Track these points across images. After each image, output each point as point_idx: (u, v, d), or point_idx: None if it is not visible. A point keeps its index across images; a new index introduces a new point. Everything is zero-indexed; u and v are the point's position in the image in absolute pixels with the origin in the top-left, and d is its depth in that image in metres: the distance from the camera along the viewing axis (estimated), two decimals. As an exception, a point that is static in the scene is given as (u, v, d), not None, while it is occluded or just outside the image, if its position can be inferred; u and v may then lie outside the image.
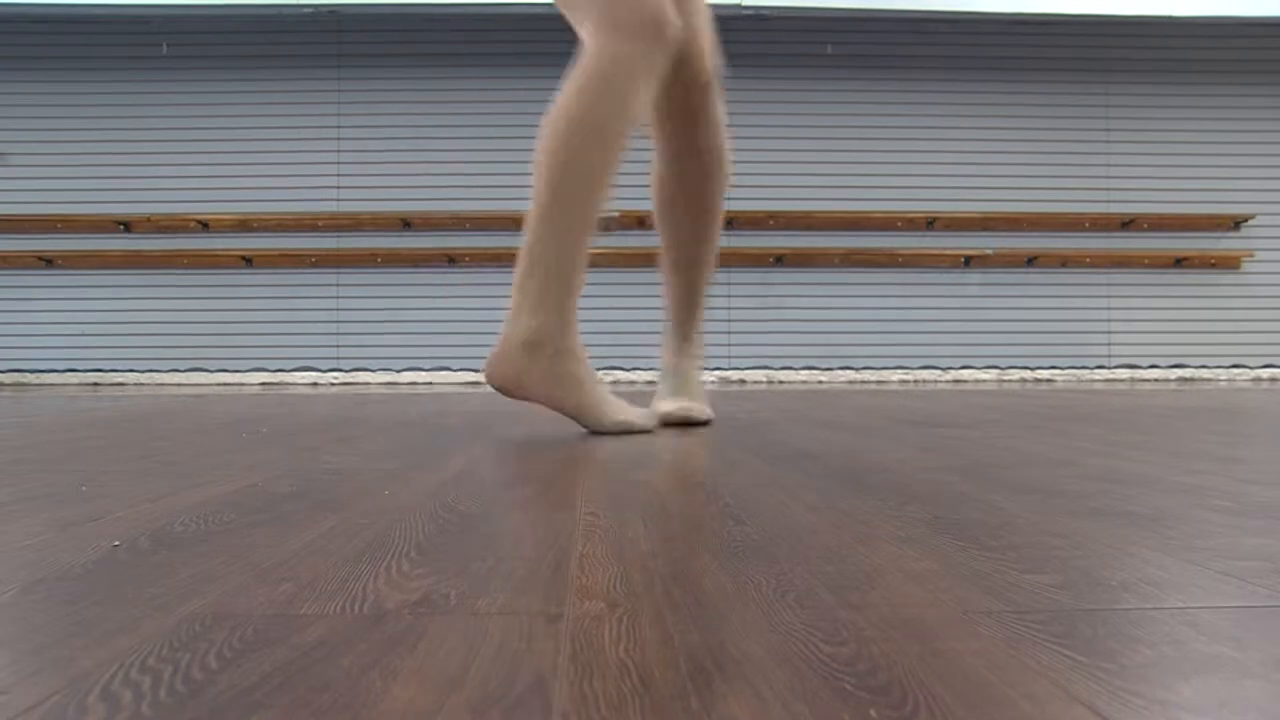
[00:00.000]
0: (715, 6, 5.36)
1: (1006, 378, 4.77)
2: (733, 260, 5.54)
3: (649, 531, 0.72)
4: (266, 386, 4.19)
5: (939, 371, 4.81)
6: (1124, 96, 5.66)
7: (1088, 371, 4.93)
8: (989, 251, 5.54)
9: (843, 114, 5.60)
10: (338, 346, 5.45)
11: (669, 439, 1.49)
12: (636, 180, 5.41)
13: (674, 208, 1.80)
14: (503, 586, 0.56)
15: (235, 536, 0.70)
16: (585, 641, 0.45)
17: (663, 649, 0.44)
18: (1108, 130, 5.64)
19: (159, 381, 4.49)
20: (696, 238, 1.81)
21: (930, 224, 5.56)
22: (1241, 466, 1.17)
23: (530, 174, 5.32)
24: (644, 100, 1.48)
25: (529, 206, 1.49)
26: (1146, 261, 5.62)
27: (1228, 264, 5.66)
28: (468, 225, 5.37)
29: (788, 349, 5.42)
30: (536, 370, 1.46)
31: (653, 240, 5.49)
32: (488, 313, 5.38)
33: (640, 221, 5.45)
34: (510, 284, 5.40)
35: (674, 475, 1.03)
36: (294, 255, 5.46)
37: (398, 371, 4.74)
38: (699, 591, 0.55)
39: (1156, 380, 4.54)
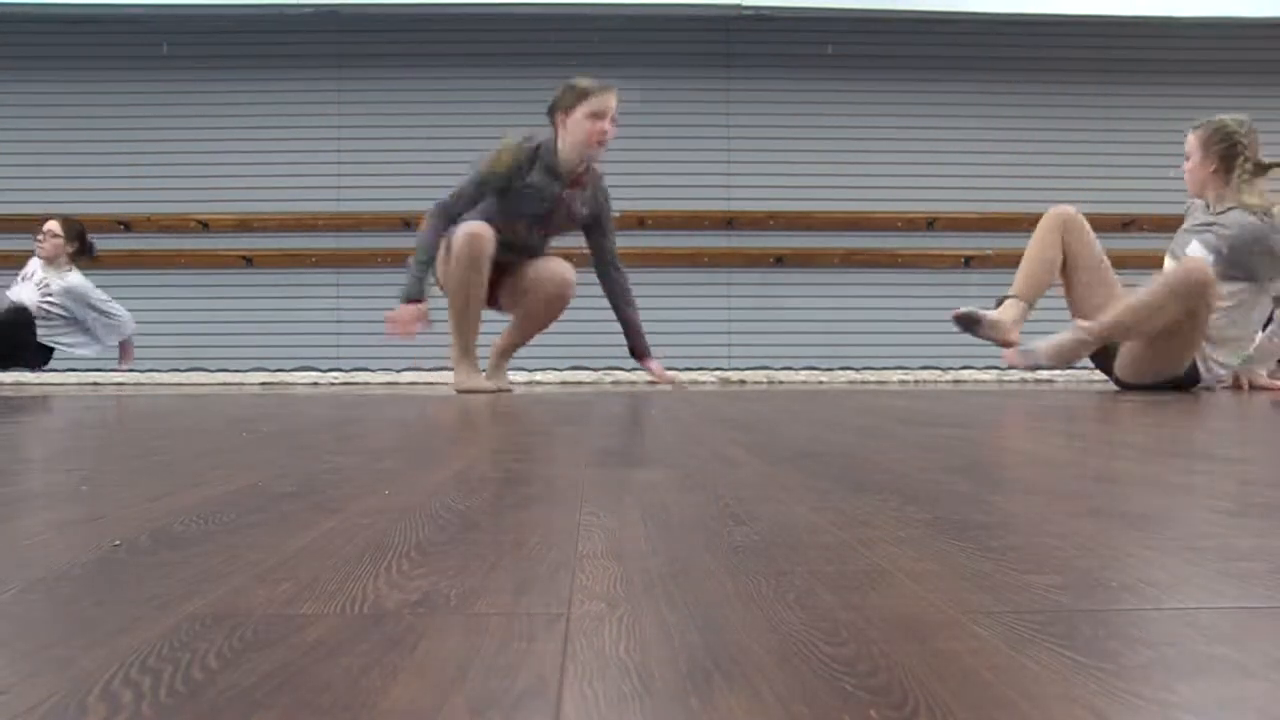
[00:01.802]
0: (715, 6, 5.36)
1: (1006, 378, 4.76)
2: (733, 260, 5.54)
3: (649, 531, 0.72)
4: (266, 386, 4.19)
5: (939, 371, 4.81)
6: (1124, 97, 5.65)
7: (1087, 372, 4.92)
8: (989, 251, 5.53)
9: (843, 114, 5.59)
10: (338, 346, 5.45)
11: (667, 438, 1.49)
12: (637, 181, 5.42)
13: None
14: (503, 586, 0.56)
15: (235, 536, 0.70)
16: (585, 641, 0.45)
17: (663, 649, 0.44)
18: (1108, 130, 5.63)
19: (159, 381, 4.49)
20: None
21: (930, 224, 5.56)
22: (1241, 466, 1.17)
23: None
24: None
25: None
26: (1147, 262, 5.61)
27: (1228, 264, 5.65)
28: (468, 225, 5.37)
29: (788, 349, 5.41)
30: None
31: (652, 240, 5.49)
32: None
33: (640, 222, 5.44)
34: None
35: (674, 475, 1.03)
36: (294, 255, 5.45)
37: (398, 371, 4.74)
38: (699, 591, 0.55)
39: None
